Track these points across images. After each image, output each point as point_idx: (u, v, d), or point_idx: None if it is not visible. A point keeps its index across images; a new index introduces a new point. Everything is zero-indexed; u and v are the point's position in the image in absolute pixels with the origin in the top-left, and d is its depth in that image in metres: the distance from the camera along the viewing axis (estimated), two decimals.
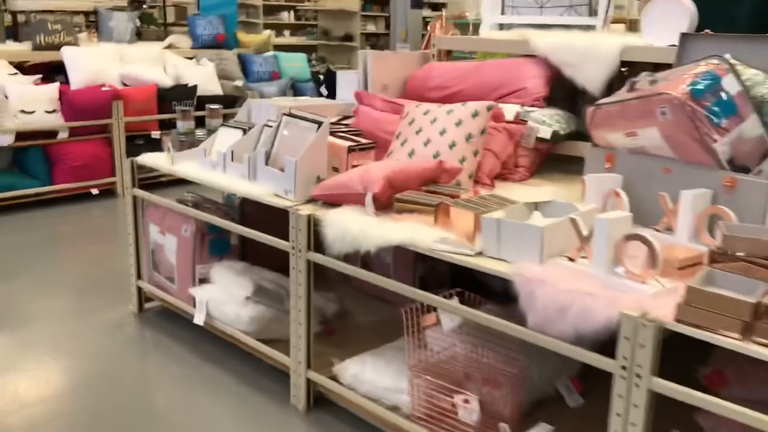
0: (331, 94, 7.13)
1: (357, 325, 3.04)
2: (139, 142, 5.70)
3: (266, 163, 2.67)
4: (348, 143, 2.65)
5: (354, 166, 2.65)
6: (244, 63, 6.79)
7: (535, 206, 2.17)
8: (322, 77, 7.09)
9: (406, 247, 2.10)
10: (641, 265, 1.73)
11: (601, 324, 1.66)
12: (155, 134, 5.73)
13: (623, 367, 1.64)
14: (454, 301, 2.09)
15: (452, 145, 2.63)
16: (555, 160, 3.09)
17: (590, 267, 1.80)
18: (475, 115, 2.67)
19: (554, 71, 3.10)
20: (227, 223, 2.79)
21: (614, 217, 1.76)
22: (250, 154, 2.75)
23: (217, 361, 2.95)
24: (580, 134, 3.06)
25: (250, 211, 3.17)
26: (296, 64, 7.01)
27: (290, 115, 2.71)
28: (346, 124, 3.09)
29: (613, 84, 3.04)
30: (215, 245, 3.03)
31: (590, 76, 2.96)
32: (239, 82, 6.51)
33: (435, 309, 2.18)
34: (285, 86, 6.57)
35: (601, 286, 1.73)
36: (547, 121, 2.96)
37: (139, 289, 3.37)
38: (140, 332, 3.24)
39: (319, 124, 2.55)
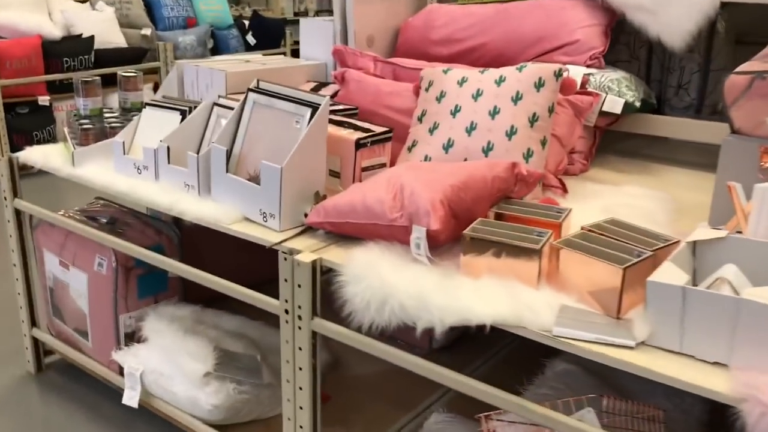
0: (261, 44, 6.06)
1: (358, 382, 2.17)
2: (22, 110, 4.52)
3: (227, 169, 1.72)
4: (353, 133, 1.73)
5: (364, 170, 1.74)
6: (150, 7, 5.60)
7: (693, 246, 1.34)
8: (247, 23, 5.97)
9: (506, 329, 1.23)
10: None
11: None
12: (43, 100, 4.53)
13: None
14: (592, 417, 1.25)
15: (511, 132, 1.75)
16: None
17: None
18: (539, 85, 1.79)
19: (613, 17, 2.26)
20: (169, 261, 1.82)
21: None
22: (196, 152, 1.79)
23: None
24: (645, 104, 2.25)
25: (194, 226, 2.19)
26: (215, 7, 5.85)
27: (259, 90, 1.75)
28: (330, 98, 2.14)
29: (704, 37, 2.24)
30: (146, 283, 2.06)
31: (673, 25, 2.14)
32: (147, 31, 5.33)
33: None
34: (204, 35, 5.44)
35: None
36: (614, 88, 2.13)
37: (35, 341, 2.36)
38: (42, 403, 2.25)
39: (314, 107, 1.61)
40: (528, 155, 1.74)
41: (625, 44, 2.58)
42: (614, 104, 2.10)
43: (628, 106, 2.11)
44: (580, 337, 1.17)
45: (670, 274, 1.15)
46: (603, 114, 2.13)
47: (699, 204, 1.83)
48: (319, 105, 1.61)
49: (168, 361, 1.87)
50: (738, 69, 1.59)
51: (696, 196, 1.93)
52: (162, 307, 2.06)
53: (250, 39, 5.83)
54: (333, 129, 1.75)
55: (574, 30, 2.23)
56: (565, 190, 1.85)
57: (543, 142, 1.78)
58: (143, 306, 2.06)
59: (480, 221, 1.42)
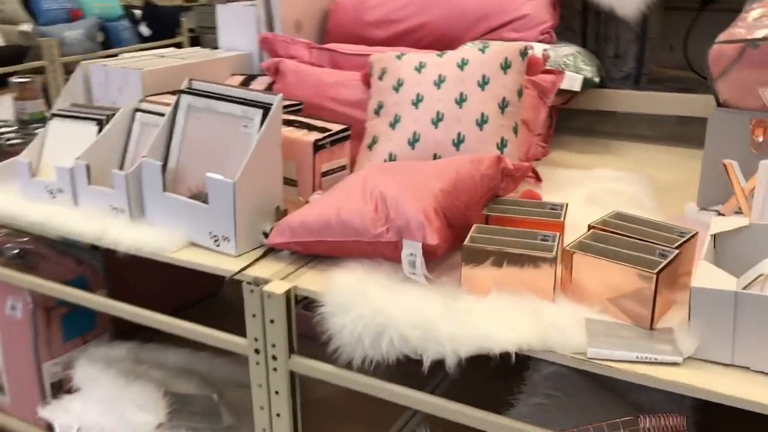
0: (155, 35, 5.61)
1: (325, 405, 1.96)
2: None
3: (164, 187, 1.46)
4: (308, 134, 1.51)
5: (324, 175, 1.52)
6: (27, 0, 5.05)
7: (714, 239, 1.22)
8: (138, 13, 5.53)
9: (532, 355, 1.07)
10: None
11: None
12: None
13: None
14: None
15: (482, 122, 1.58)
16: None
17: None
18: (506, 66, 1.63)
19: None
20: (98, 300, 1.55)
21: None
22: (120, 169, 1.52)
23: None
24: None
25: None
26: None
27: (194, 92, 1.49)
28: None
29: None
30: (71, 323, 1.77)
31: None
32: (26, 27, 4.82)
33: None
34: (92, 28, 4.98)
35: None
36: (570, 64, 2.01)
37: None
38: None
39: (265, 108, 1.38)
40: (502, 145, 1.58)
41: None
42: (573, 81, 1.98)
43: (588, 83, 1.99)
44: (620, 358, 1.02)
45: (713, 276, 1.02)
46: (563, 92, 2.01)
47: (676, 183, 1.74)
48: (271, 105, 1.38)
49: (109, 413, 1.60)
50: (721, 38, 1.48)
51: (668, 175, 1.84)
52: (93, 348, 1.77)
53: (144, 30, 5.39)
54: (284, 130, 1.52)
55: (520, 4, 2.09)
56: (538, 179, 1.71)
57: (515, 130, 1.62)
58: (70, 350, 1.77)
59: (477, 228, 1.25)
